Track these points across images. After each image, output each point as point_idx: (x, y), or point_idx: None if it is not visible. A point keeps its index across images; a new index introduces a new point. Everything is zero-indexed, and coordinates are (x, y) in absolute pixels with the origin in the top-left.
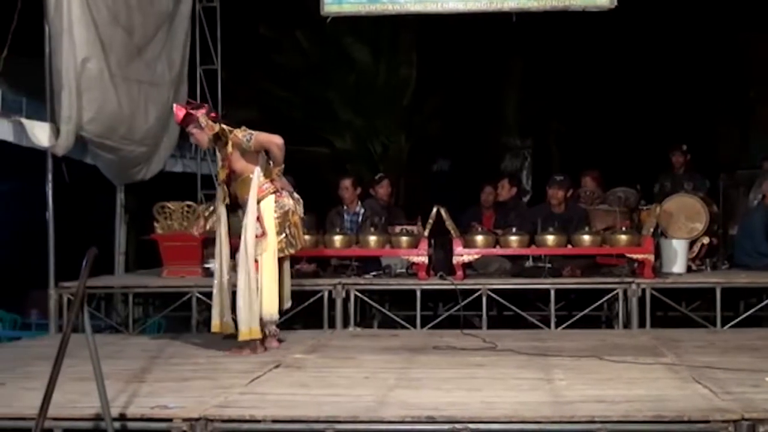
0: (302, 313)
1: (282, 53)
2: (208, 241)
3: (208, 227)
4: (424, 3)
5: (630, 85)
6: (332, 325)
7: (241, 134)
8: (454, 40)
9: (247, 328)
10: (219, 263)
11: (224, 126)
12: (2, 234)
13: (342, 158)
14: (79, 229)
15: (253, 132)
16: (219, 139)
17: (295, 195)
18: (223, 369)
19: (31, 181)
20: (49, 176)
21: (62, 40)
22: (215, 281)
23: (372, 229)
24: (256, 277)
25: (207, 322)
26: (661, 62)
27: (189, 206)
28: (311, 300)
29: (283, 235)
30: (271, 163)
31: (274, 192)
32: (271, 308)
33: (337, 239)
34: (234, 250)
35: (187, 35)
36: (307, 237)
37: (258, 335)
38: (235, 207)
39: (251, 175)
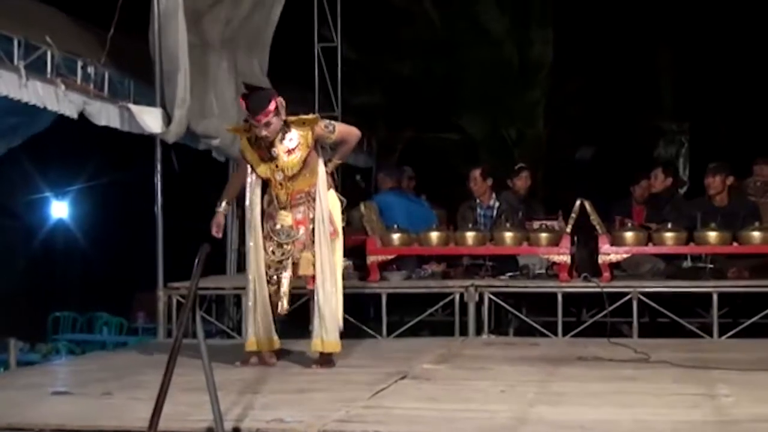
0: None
1: (410, 27)
2: None
3: None
4: None
5: None
6: (464, 332)
7: (322, 124)
8: (598, 13)
9: (336, 340)
10: (254, 273)
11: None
12: (107, 231)
13: (473, 145)
14: (188, 224)
15: (332, 122)
16: (287, 127)
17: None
18: (344, 380)
19: (136, 171)
20: (158, 166)
21: (178, 16)
22: (250, 294)
23: (508, 225)
24: (336, 278)
25: None
26: None
27: None
28: (440, 304)
29: None
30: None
31: (332, 187)
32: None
33: (470, 236)
34: None
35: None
36: (435, 234)
37: (337, 348)
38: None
39: (314, 168)
